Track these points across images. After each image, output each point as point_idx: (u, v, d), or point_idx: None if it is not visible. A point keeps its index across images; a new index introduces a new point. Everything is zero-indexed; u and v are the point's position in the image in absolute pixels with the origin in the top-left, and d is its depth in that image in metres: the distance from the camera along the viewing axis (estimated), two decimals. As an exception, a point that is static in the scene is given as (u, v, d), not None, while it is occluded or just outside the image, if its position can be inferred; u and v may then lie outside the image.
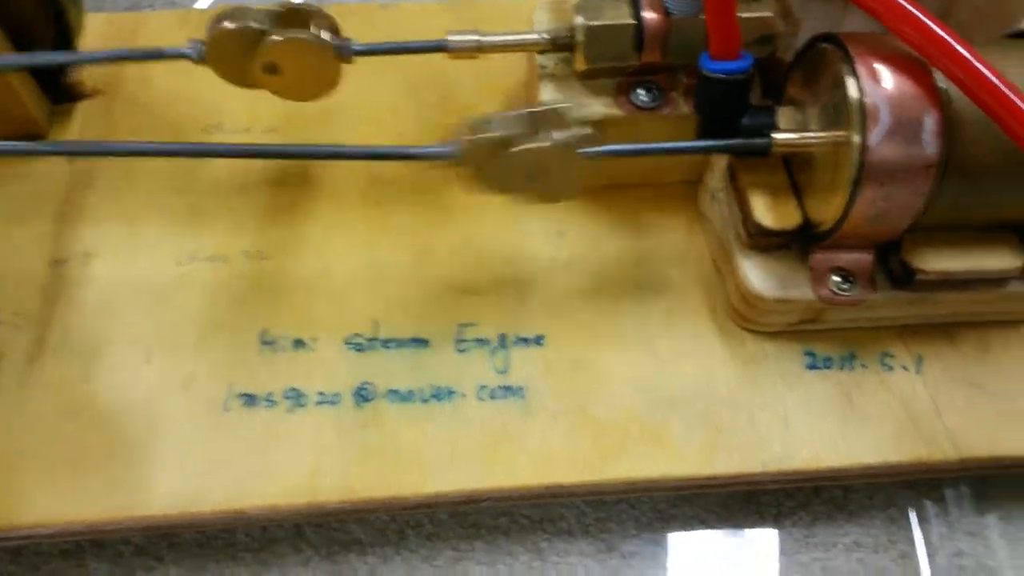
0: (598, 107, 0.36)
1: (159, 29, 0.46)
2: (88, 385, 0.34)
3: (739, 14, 0.34)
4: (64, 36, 0.40)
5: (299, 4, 0.34)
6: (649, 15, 0.34)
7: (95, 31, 0.44)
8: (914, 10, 0.28)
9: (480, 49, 0.36)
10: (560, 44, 0.36)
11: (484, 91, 0.43)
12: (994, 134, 0.27)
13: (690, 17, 0.34)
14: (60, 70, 0.42)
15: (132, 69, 0.43)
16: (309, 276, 0.37)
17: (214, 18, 0.33)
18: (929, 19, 0.28)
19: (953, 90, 0.29)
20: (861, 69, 0.29)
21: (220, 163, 0.40)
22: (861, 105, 0.29)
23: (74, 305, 0.36)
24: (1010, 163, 0.29)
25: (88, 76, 0.43)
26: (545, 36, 0.36)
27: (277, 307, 0.36)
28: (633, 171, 0.39)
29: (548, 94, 0.37)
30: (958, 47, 0.27)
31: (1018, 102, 0.27)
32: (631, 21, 0.34)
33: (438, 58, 0.36)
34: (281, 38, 0.33)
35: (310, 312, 0.36)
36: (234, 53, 0.33)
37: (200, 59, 0.34)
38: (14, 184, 0.39)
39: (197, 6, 0.52)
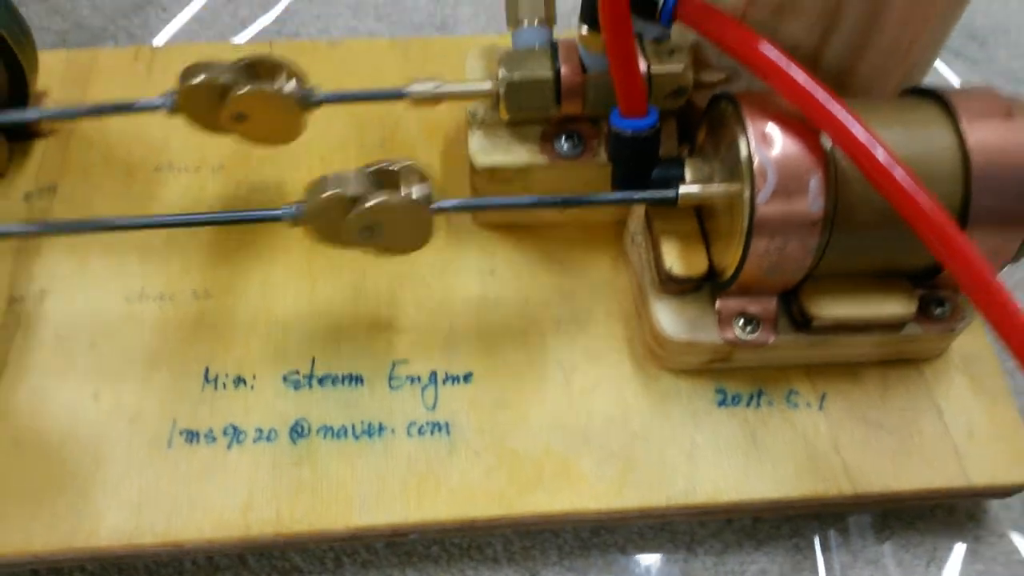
0: (523, 154, 0.38)
1: (114, 65, 0.47)
2: (39, 419, 0.36)
3: (652, 69, 0.36)
4: (19, 78, 0.42)
5: (265, 55, 0.36)
6: (567, 70, 0.36)
7: (52, 69, 0.46)
8: (798, 76, 0.30)
9: (438, 99, 0.37)
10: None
11: (426, 131, 0.45)
12: (876, 193, 0.29)
13: (605, 73, 0.36)
14: (15, 103, 0.44)
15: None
16: (251, 314, 0.39)
17: (185, 71, 0.35)
18: (812, 84, 0.30)
19: (839, 151, 0.31)
20: (752, 130, 0.31)
21: (171, 208, 0.42)
22: (750, 165, 0.31)
23: (29, 341, 0.38)
24: (892, 219, 0.31)
25: (44, 118, 0.45)
26: (481, 88, 0.37)
27: (220, 345, 0.38)
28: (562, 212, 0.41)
29: (476, 141, 0.39)
30: (836, 111, 0.29)
31: (891, 165, 0.28)
32: (549, 75, 0.36)
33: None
34: (247, 90, 0.35)
35: (250, 350, 0.38)
36: (204, 104, 0.35)
37: (172, 110, 0.36)
38: (-27, 223, 0.41)
39: (155, 42, 0.53)
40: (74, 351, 0.38)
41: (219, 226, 0.41)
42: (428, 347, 0.38)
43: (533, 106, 0.37)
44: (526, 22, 0.37)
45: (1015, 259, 0.34)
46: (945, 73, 0.55)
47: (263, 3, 0.55)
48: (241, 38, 0.54)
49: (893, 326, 0.35)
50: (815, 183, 0.31)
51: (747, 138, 0.31)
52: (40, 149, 0.44)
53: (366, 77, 0.47)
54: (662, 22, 0.32)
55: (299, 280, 0.40)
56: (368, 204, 0.32)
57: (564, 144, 0.38)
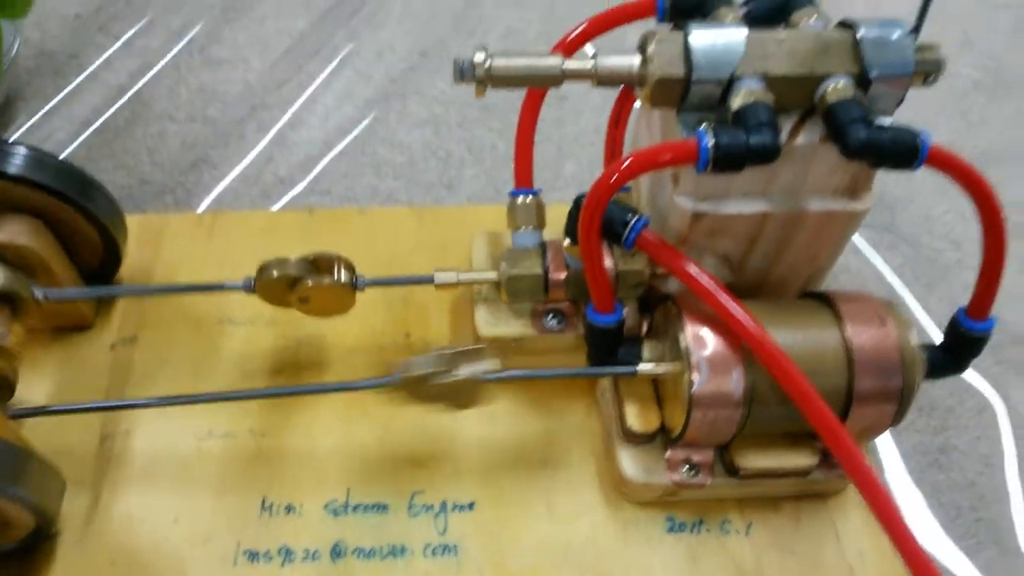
0: (518, 327, 0.48)
1: (181, 229, 0.58)
2: (130, 540, 0.45)
3: (619, 267, 0.47)
4: (113, 250, 0.52)
5: (325, 253, 0.46)
6: (553, 269, 0.47)
7: (129, 232, 0.56)
8: (719, 296, 0.40)
9: (459, 283, 0.48)
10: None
11: (439, 294, 0.55)
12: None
13: (582, 271, 0.46)
14: (106, 271, 0.53)
15: (160, 269, 0.55)
16: (298, 451, 0.48)
17: (262, 266, 0.45)
18: (730, 302, 0.40)
19: (755, 350, 0.42)
20: (689, 332, 0.42)
21: (232, 355, 0.52)
22: (688, 359, 0.41)
23: (118, 474, 0.47)
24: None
25: (125, 275, 0.55)
26: (490, 276, 0.48)
27: (274, 477, 0.47)
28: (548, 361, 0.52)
29: (481, 315, 0.49)
30: (748, 324, 0.40)
31: (788, 368, 0.39)
32: (540, 273, 0.47)
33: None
34: (312, 284, 0.45)
35: (298, 481, 0.47)
36: (276, 289, 0.45)
37: (250, 291, 0.46)
38: (68, 370, 0.51)
39: (207, 197, 0.64)
40: (156, 483, 0.47)
41: (273, 375, 0.51)
42: (440, 480, 0.48)
43: (527, 294, 0.47)
44: (522, 227, 0.48)
45: (893, 424, 0.44)
46: (856, 239, 0.66)
47: (300, 164, 0.66)
48: (281, 193, 0.64)
49: (802, 473, 0.45)
50: (736, 374, 0.41)
51: (686, 338, 0.42)
52: (122, 303, 0.54)
53: (390, 239, 0.58)
54: (625, 247, 0.43)
55: (337, 422, 0.49)
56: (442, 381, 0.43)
57: (551, 321, 0.48)
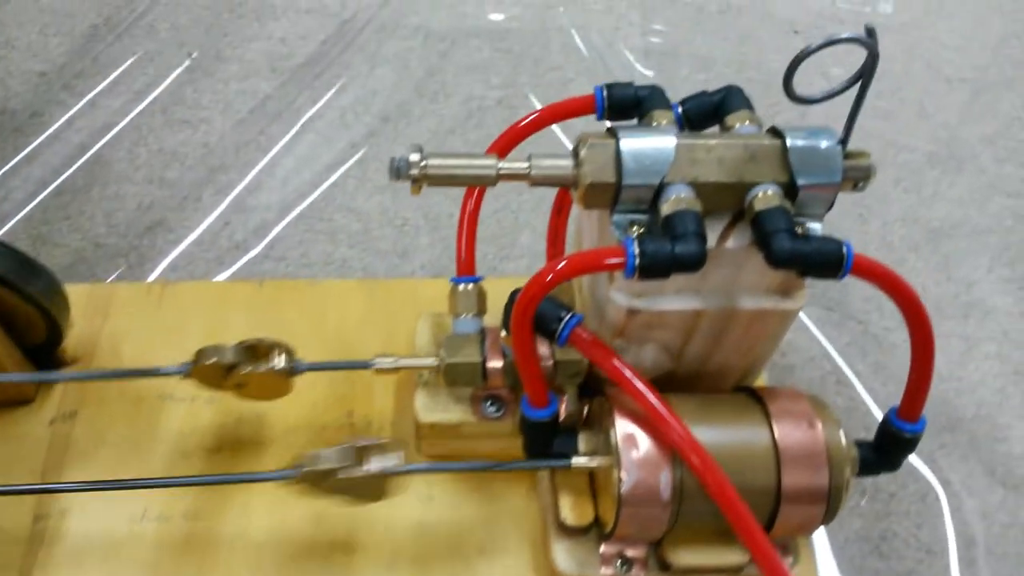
0: (457, 413, 0.49)
1: (127, 299, 0.58)
2: (56, 627, 0.45)
3: (557, 357, 0.47)
4: (54, 326, 0.52)
5: (263, 339, 0.46)
6: (492, 356, 0.47)
7: (76, 301, 0.56)
8: (642, 390, 0.41)
9: (398, 369, 0.48)
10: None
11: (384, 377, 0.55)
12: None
13: (521, 361, 0.47)
14: (49, 346, 0.53)
15: (106, 341, 0.55)
16: (232, 536, 0.48)
17: (199, 352, 0.45)
18: (660, 406, 0.41)
19: (684, 451, 0.42)
20: (619, 429, 0.42)
21: (171, 433, 0.51)
22: (618, 458, 0.42)
23: (50, 555, 0.47)
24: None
25: (70, 345, 0.54)
26: (431, 362, 0.48)
27: (205, 563, 0.47)
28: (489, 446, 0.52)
29: (420, 400, 0.49)
30: (675, 427, 0.40)
31: (712, 471, 0.39)
32: (478, 360, 0.47)
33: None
34: (249, 370, 0.45)
35: (230, 567, 0.47)
36: (212, 375, 0.45)
37: (186, 376, 0.46)
38: (6, 445, 0.50)
39: (161, 263, 0.64)
40: (87, 565, 0.46)
41: (211, 454, 0.51)
42: (376, 566, 0.48)
43: (465, 381, 0.47)
44: (463, 314, 0.49)
45: (824, 523, 0.45)
46: (804, 317, 0.67)
47: (256, 229, 0.66)
48: (236, 259, 0.65)
49: (734, 570, 0.45)
50: (665, 474, 0.42)
51: (616, 437, 0.42)
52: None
53: (339, 312, 0.58)
54: (559, 344, 0.43)
55: (272, 506, 0.49)
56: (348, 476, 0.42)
57: (490, 407, 0.49)
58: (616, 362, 0.42)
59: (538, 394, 0.44)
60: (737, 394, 0.47)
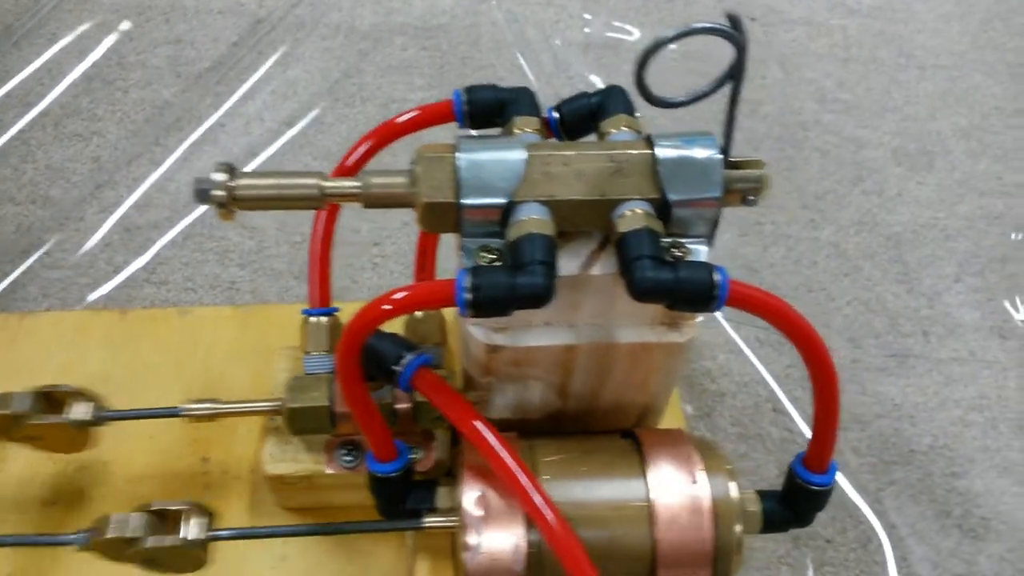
0: (307, 464, 0.43)
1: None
2: None
3: (416, 399, 0.41)
4: None
5: (58, 386, 0.41)
6: (340, 400, 0.41)
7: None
8: (503, 455, 0.35)
9: (213, 417, 0.42)
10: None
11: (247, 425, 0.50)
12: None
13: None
14: None
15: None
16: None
17: None
18: (501, 451, 0.35)
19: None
20: (469, 487, 0.36)
21: (10, 480, 0.46)
22: (464, 520, 0.36)
23: None
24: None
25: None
26: (268, 406, 0.43)
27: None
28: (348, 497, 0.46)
29: (268, 448, 0.43)
30: (527, 486, 0.34)
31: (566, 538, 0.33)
32: (326, 404, 0.41)
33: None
34: (35, 422, 0.40)
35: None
36: (3, 425, 0.40)
37: None
38: None
39: (39, 285, 0.59)
40: None
41: (46, 506, 0.46)
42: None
43: (312, 428, 0.42)
44: (314, 352, 0.43)
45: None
46: (738, 339, 0.61)
47: (139, 249, 0.61)
48: (114, 284, 0.59)
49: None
50: (519, 542, 0.36)
51: (462, 498, 0.36)
52: None
53: (208, 343, 0.52)
54: (401, 388, 0.37)
55: (101, 569, 0.44)
56: (145, 546, 0.37)
57: (344, 456, 0.43)
58: (462, 411, 0.36)
59: (381, 446, 0.38)
60: (618, 440, 0.41)
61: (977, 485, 0.53)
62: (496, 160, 0.35)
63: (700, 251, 0.38)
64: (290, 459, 0.43)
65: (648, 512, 0.37)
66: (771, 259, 0.64)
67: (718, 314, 0.60)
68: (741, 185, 0.37)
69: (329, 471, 0.43)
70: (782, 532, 0.41)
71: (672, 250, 0.38)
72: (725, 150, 0.37)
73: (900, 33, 0.82)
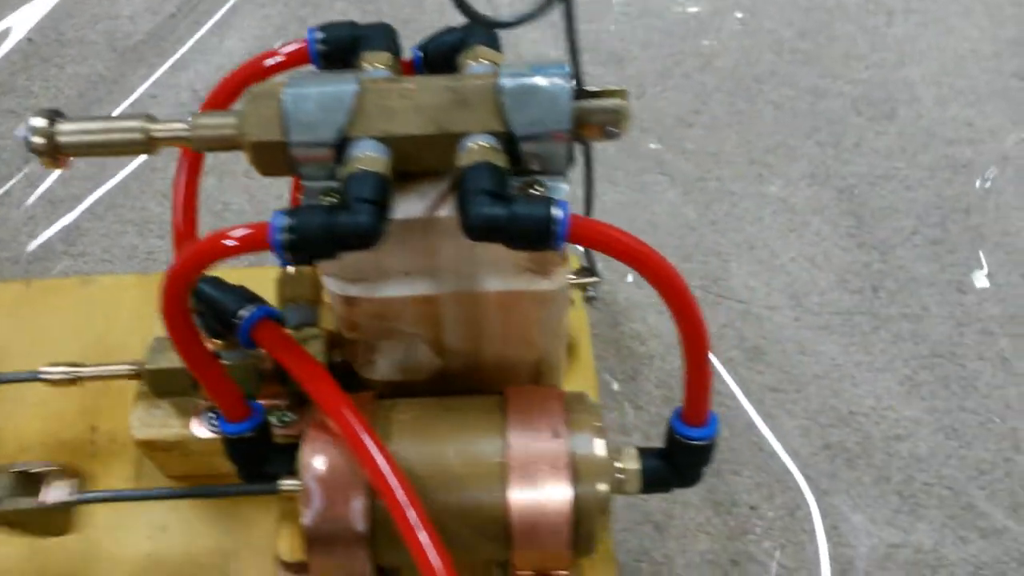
0: (175, 429, 0.41)
1: None
2: None
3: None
4: None
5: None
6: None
7: None
8: (329, 395, 0.33)
9: (76, 380, 0.41)
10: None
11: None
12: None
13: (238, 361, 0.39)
14: None
15: None
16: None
17: None
18: (342, 407, 0.32)
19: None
20: (311, 447, 0.34)
21: None
22: (304, 480, 0.34)
23: None
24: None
25: None
26: (128, 369, 0.41)
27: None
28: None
29: (137, 414, 0.42)
30: (360, 434, 0.32)
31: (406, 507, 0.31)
32: (182, 365, 0.39)
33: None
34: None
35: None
36: None
37: None
38: None
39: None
40: None
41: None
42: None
43: (174, 390, 0.40)
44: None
45: (582, 554, 0.36)
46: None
47: (60, 223, 0.60)
48: (32, 257, 0.59)
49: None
50: (358, 503, 0.33)
51: (304, 458, 0.34)
52: None
53: (110, 312, 0.51)
54: (242, 342, 0.35)
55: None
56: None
57: (211, 420, 0.41)
58: (304, 365, 0.34)
59: (228, 403, 0.36)
60: (484, 398, 0.38)
61: (921, 448, 0.49)
62: (325, 94, 0.33)
63: (559, 188, 0.35)
64: (159, 424, 0.41)
65: (502, 470, 0.34)
66: (713, 216, 0.61)
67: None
68: (598, 117, 0.35)
69: (199, 435, 0.41)
70: (665, 491, 0.38)
71: (529, 189, 0.35)
72: (577, 79, 0.34)
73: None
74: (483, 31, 0.39)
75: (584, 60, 0.74)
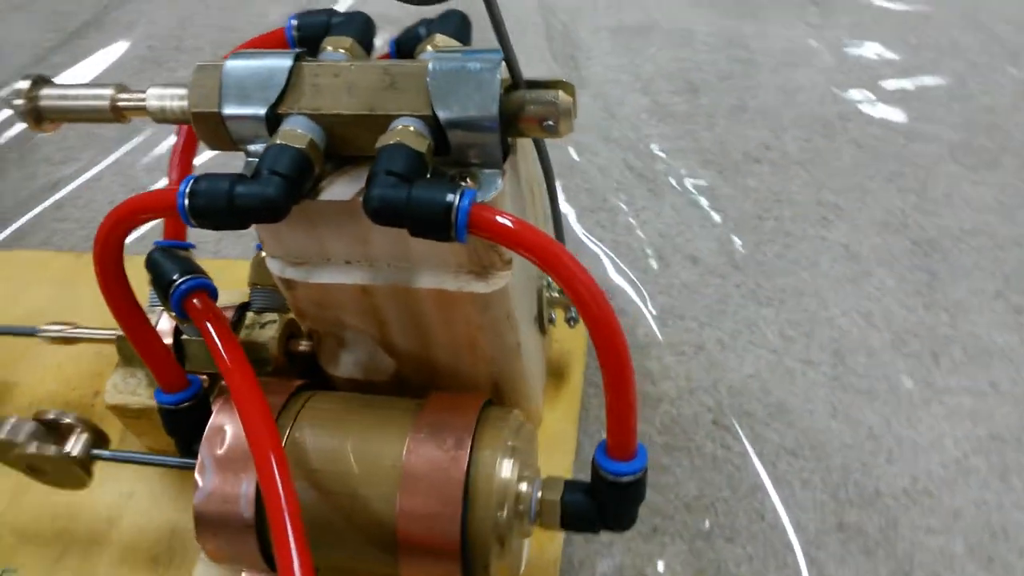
0: (144, 397, 0.42)
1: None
2: None
3: (242, 336, 0.40)
4: None
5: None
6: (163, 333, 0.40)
7: None
8: (232, 368, 0.32)
9: (71, 339, 0.43)
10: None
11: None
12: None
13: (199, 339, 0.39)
14: None
15: None
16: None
17: None
18: (244, 384, 0.31)
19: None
20: (214, 422, 0.34)
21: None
22: (201, 457, 0.33)
23: None
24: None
25: None
26: (114, 334, 0.43)
27: None
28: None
29: (112, 380, 0.43)
30: (252, 412, 0.30)
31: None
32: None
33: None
34: (29, 452, 0.39)
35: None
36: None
37: None
38: None
39: None
40: None
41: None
42: (42, 563, 0.42)
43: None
44: (155, 282, 0.42)
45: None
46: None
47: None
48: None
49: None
50: (247, 486, 0.32)
51: (203, 444, 0.34)
52: None
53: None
54: (173, 310, 0.35)
55: None
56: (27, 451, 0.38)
57: (172, 393, 0.42)
58: (222, 342, 0.33)
59: (161, 371, 0.36)
60: (407, 401, 0.36)
61: (957, 547, 0.41)
62: (259, 68, 0.33)
63: (493, 182, 0.33)
64: (129, 391, 0.43)
65: (396, 475, 0.32)
66: (762, 256, 0.55)
67: (675, 310, 0.52)
68: (532, 108, 0.32)
69: (159, 405, 0.42)
70: (594, 532, 0.34)
71: (461, 181, 0.33)
72: (511, 67, 0.32)
73: (988, 7, 0.68)
74: (452, 21, 0.38)
75: (658, 88, 0.71)
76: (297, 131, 0.32)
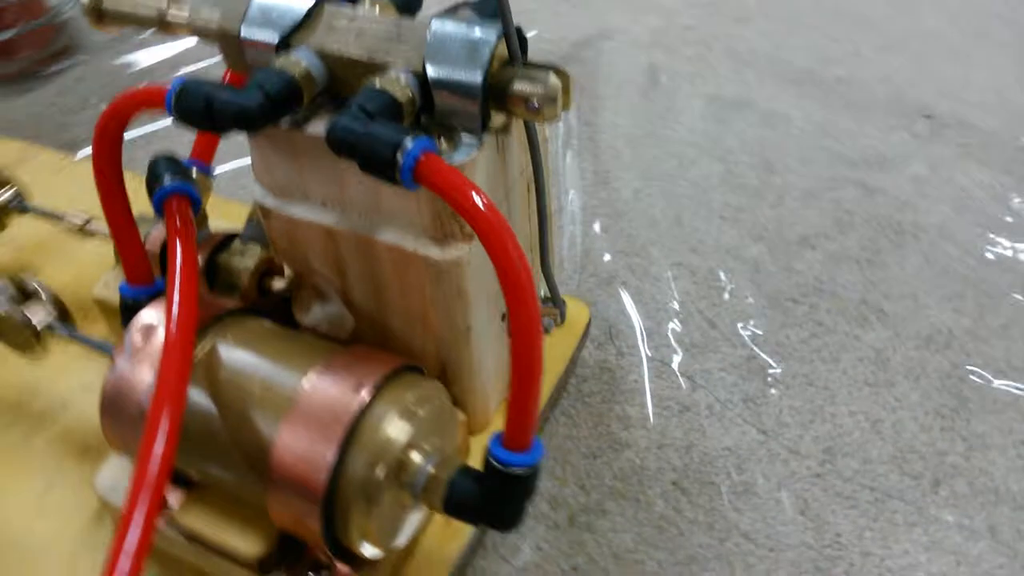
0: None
1: None
2: None
3: (219, 261, 0.41)
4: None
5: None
6: (150, 243, 0.42)
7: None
8: (173, 290, 0.33)
9: (88, 232, 0.46)
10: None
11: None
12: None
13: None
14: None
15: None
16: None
17: None
18: (174, 300, 0.32)
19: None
20: (143, 317, 0.35)
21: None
22: (124, 341, 0.34)
23: None
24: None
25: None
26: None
27: None
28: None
29: (108, 274, 0.46)
30: (171, 314, 0.31)
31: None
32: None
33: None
34: None
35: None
36: None
37: None
38: None
39: None
40: None
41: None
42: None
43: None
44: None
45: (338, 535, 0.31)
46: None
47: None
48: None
49: (245, 563, 0.34)
50: (153, 380, 0.33)
51: (129, 330, 0.35)
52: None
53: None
54: (155, 211, 0.37)
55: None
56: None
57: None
58: (180, 248, 0.34)
59: (131, 264, 0.38)
60: (335, 344, 0.36)
61: None
62: (281, 3, 0.35)
63: (465, 145, 0.33)
64: (114, 289, 0.45)
65: (288, 404, 0.32)
66: (782, 338, 0.51)
67: (675, 366, 0.49)
68: (520, 86, 0.32)
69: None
70: (476, 523, 0.32)
71: (441, 139, 0.33)
72: (509, 43, 0.32)
73: None
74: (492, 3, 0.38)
75: (734, 159, 0.70)
76: (296, 60, 0.33)
